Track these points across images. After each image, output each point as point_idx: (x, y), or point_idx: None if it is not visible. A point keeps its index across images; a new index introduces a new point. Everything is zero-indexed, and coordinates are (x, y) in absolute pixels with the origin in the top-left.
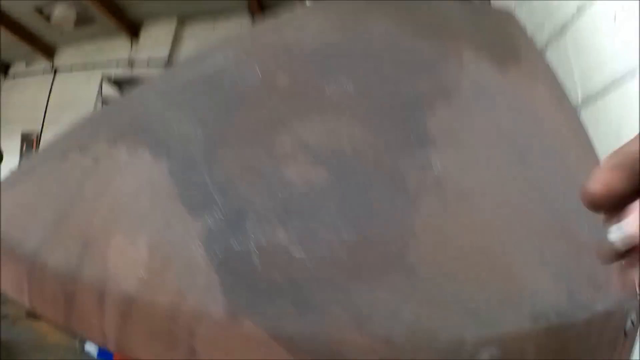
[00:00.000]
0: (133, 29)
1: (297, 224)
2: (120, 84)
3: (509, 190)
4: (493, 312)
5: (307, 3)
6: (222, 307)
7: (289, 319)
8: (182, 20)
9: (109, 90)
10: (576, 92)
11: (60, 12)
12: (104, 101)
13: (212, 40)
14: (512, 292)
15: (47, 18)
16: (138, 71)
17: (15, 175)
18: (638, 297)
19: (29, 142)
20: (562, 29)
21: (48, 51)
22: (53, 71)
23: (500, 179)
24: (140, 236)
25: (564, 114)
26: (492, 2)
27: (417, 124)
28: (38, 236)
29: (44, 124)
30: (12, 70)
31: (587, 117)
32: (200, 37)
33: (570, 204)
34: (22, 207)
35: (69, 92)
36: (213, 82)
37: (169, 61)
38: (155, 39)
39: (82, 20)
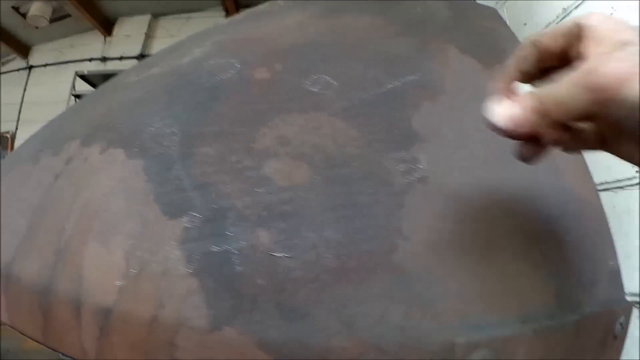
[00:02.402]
0: (107, 26)
1: (278, 224)
2: (93, 80)
3: (496, 189)
4: (482, 313)
5: (281, 3)
6: (204, 315)
7: (274, 325)
8: (156, 17)
9: (82, 87)
10: None
11: (37, 9)
12: (77, 98)
13: (185, 35)
14: (502, 293)
15: (23, 15)
16: (111, 67)
17: None
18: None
19: (3, 144)
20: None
21: (23, 49)
22: (28, 69)
23: (487, 178)
24: (115, 241)
25: None
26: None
27: (401, 120)
28: (12, 247)
29: (19, 123)
30: None
31: None
32: (173, 33)
33: (556, 205)
34: None
35: (43, 90)
36: (188, 74)
37: (142, 57)
38: (128, 35)
39: (57, 16)
